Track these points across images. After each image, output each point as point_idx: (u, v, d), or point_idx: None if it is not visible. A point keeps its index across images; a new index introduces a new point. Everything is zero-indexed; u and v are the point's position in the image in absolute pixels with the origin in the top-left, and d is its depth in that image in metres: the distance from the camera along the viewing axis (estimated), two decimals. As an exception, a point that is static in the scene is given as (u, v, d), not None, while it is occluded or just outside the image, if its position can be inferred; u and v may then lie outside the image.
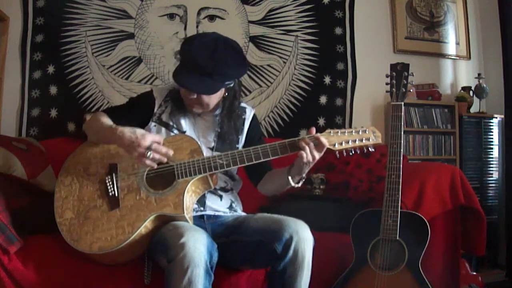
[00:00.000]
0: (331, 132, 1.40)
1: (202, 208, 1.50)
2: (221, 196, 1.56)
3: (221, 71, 1.41)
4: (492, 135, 3.07)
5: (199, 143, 1.45)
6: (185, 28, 2.64)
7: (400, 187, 1.58)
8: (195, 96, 1.47)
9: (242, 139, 1.63)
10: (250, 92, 2.71)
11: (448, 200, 1.80)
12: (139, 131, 1.34)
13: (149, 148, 1.31)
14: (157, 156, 1.32)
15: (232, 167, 1.40)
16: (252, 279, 1.49)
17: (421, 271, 1.54)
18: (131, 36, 2.58)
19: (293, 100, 2.79)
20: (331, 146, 1.38)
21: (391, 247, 1.58)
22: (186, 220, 1.35)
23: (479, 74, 3.11)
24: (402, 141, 1.60)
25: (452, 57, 3.21)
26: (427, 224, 1.57)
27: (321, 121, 2.81)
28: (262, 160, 1.39)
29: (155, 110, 1.57)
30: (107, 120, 1.47)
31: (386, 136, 2.52)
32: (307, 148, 1.34)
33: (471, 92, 3.11)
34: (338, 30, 2.90)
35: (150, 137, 1.33)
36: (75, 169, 1.47)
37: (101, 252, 1.32)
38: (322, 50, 2.84)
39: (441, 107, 3.02)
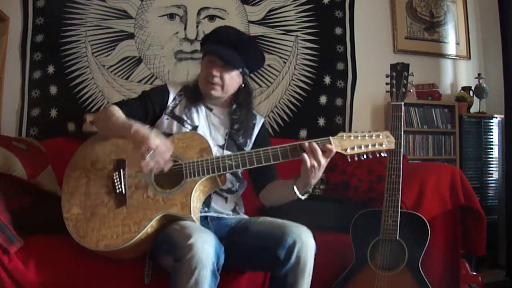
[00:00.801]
0: (344, 135, 1.36)
1: (206, 209, 1.50)
2: (226, 198, 1.55)
3: (245, 48, 1.52)
4: (492, 135, 3.07)
5: (209, 141, 1.44)
6: (185, 28, 2.64)
7: (400, 187, 1.58)
8: (218, 73, 1.49)
9: (250, 143, 1.63)
10: (251, 92, 2.70)
11: (448, 200, 1.80)
12: (154, 132, 1.32)
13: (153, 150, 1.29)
14: (152, 163, 1.28)
15: (241, 168, 1.38)
16: (252, 281, 1.49)
17: (421, 271, 1.54)
18: (131, 36, 2.59)
19: (293, 100, 2.79)
20: (342, 151, 1.35)
21: (391, 247, 1.58)
22: (193, 221, 1.34)
23: (479, 74, 3.11)
24: (402, 141, 1.60)
25: (452, 57, 3.21)
26: (427, 224, 1.57)
27: (321, 121, 2.81)
28: (272, 162, 1.36)
29: (169, 103, 1.57)
30: (122, 115, 1.44)
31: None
32: (311, 152, 1.31)
33: (471, 92, 3.11)
34: (338, 30, 2.90)
35: (158, 142, 1.29)
36: (83, 163, 1.46)
37: (107, 250, 1.32)
38: (322, 50, 2.84)
39: (441, 107, 3.02)
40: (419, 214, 1.61)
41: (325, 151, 1.32)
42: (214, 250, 1.21)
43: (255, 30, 2.74)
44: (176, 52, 2.63)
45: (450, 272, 1.84)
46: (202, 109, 1.59)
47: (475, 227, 1.84)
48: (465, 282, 2.29)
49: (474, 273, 2.41)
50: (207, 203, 1.49)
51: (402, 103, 1.63)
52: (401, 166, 1.58)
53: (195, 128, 1.53)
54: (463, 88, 3.13)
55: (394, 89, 1.66)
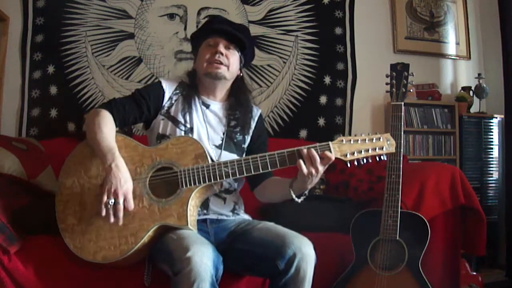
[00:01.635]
0: (344, 140, 1.32)
1: (205, 211, 1.48)
2: (225, 199, 1.53)
3: (244, 32, 1.57)
4: (492, 135, 3.07)
5: (205, 143, 1.42)
6: (185, 28, 2.64)
7: (400, 187, 1.58)
8: (224, 51, 1.50)
9: (248, 138, 1.61)
10: (250, 92, 2.70)
11: (448, 200, 1.80)
12: (129, 186, 1.29)
13: (115, 201, 1.27)
14: (110, 212, 1.26)
15: (238, 175, 1.34)
16: (251, 284, 1.49)
17: (421, 271, 1.54)
18: (131, 36, 2.59)
19: (293, 100, 2.79)
20: (342, 157, 1.31)
21: (391, 247, 1.58)
22: (190, 230, 1.32)
23: (479, 74, 3.11)
24: (402, 141, 1.60)
25: (452, 57, 3.21)
26: (427, 224, 1.57)
27: (321, 121, 2.81)
28: (270, 169, 1.34)
29: (164, 102, 1.53)
30: (109, 133, 1.37)
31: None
32: (309, 160, 1.29)
33: (471, 92, 3.11)
34: (338, 30, 2.90)
35: (124, 196, 1.27)
36: (76, 170, 1.41)
37: (105, 262, 1.32)
38: (322, 50, 2.84)
39: (441, 107, 3.02)
40: (419, 214, 1.61)
41: (323, 158, 1.29)
42: (212, 262, 1.20)
43: (255, 30, 2.74)
44: (176, 52, 2.63)
45: (450, 272, 1.84)
46: (198, 108, 1.55)
47: (475, 227, 1.84)
48: (465, 282, 2.29)
49: (474, 273, 2.41)
50: (205, 205, 1.47)
51: (402, 103, 1.63)
52: (401, 166, 1.58)
53: (190, 129, 1.50)
54: (463, 88, 3.13)
55: (394, 89, 1.66)
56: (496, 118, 3.09)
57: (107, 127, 1.38)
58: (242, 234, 1.44)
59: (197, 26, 2.65)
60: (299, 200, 1.40)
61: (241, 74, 1.62)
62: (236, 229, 1.48)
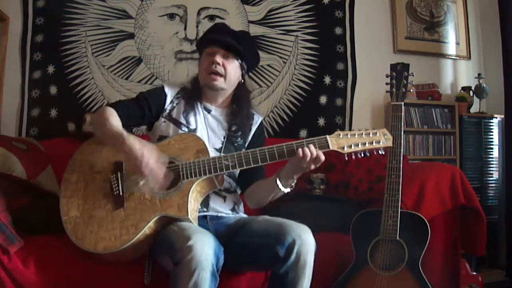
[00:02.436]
0: (341, 134, 1.37)
1: (205, 209, 1.50)
2: (225, 198, 1.55)
3: (244, 40, 1.59)
4: (492, 135, 3.07)
5: (206, 143, 1.44)
6: (185, 28, 2.64)
7: (400, 187, 1.58)
8: (220, 61, 1.51)
9: (247, 143, 1.63)
10: (250, 92, 2.70)
11: (448, 200, 1.80)
12: (147, 152, 1.32)
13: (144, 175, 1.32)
14: (144, 189, 1.34)
15: (237, 168, 1.38)
16: (252, 281, 1.49)
17: (421, 271, 1.54)
18: (131, 36, 2.58)
19: (293, 100, 2.79)
20: (339, 149, 1.35)
21: (391, 247, 1.58)
22: (190, 222, 1.34)
23: (479, 74, 3.11)
24: (402, 141, 1.60)
25: (452, 57, 3.21)
26: (427, 224, 1.57)
27: (321, 121, 2.81)
28: (269, 162, 1.37)
29: (166, 105, 1.57)
30: (116, 122, 1.43)
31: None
32: (308, 153, 1.33)
33: (471, 92, 3.11)
34: (338, 30, 2.90)
35: (152, 166, 1.31)
36: (81, 166, 1.46)
37: (105, 252, 1.32)
38: (322, 50, 2.84)
39: (441, 107, 3.02)
40: (419, 214, 1.61)
41: (316, 157, 1.33)
42: (213, 251, 1.21)
43: (255, 30, 2.74)
44: (176, 52, 2.63)
45: (450, 272, 1.84)
46: (200, 112, 1.58)
47: (475, 227, 1.84)
48: (465, 282, 2.28)
49: (474, 273, 2.41)
50: (205, 203, 1.49)
51: (402, 103, 1.63)
52: (401, 166, 1.58)
53: (192, 131, 1.53)
54: (463, 88, 3.13)
55: (394, 89, 1.66)
56: (496, 118, 3.09)
57: (114, 118, 1.43)
58: (242, 227, 1.46)
59: (197, 26, 2.65)
60: (286, 191, 1.44)
61: (243, 81, 1.63)
62: (236, 224, 1.50)
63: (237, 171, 1.58)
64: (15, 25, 2.42)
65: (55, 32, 2.47)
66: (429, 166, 2.10)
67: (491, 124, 3.07)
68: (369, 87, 2.85)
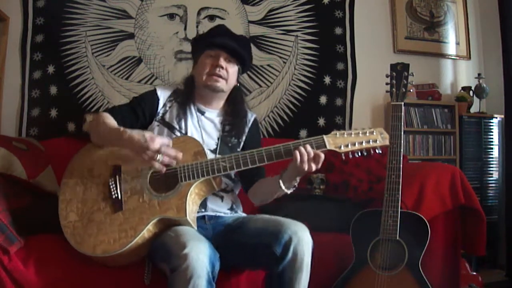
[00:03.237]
0: (337, 133, 1.38)
1: (203, 209, 1.50)
2: (222, 197, 1.56)
3: (244, 45, 1.60)
4: (492, 135, 3.07)
5: (203, 145, 1.44)
6: (185, 28, 2.64)
7: (400, 187, 1.58)
8: (224, 65, 1.52)
9: (242, 142, 1.63)
10: (250, 92, 2.70)
11: (448, 200, 1.80)
12: (148, 134, 1.31)
13: (158, 151, 1.30)
14: (166, 159, 1.31)
15: (235, 169, 1.38)
16: (252, 280, 1.49)
17: (421, 271, 1.54)
18: (131, 36, 2.58)
19: (293, 100, 2.78)
20: (336, 149, 1.36)
21: (391, 247, 1.58)
22: (189, 224, 1.34)
23: (479, 74, 3.11)
24: (402, 141, 1.60)
25: (452, 57, 3.21)
26: (427, 224, 1.57)
27: (321, 121, 2.81)
28: (266, 162, 1.37)
29: (159, 109, 1.57)
30: (112, 122, 1.45)
31: (386, 136, 2.52)
32: (305, 153, 1.33)
33: (471, 92, 3.11)
34: (338, 30, 2.90)
35: (160, 140, 1.30)
36: (79, 171, 1.46)
37: (104, 255, 1.33)
38: (322, 50, 2.84)
39: (441, 107, 3.02)
40: (419, 214, 1.61)
41: (315, 156, 1.34)
42: (209, 259, 1.21)
43: (255, 30, 2.74)
44: (176, 52, 2.63)
45: (450, 272, 1.84)
46: (193, 114, 1.59)
47: (475, 227, 1.84)
48: (465, 282, 2.28)
49: (474, 273, 2.41)
50: (203, 204, 1.49)
51: (402, 103, 1.63)
52: (401, 166, 1.58)
53: (185, 135, 1.54)
54: (463, 88, 3.13)
55: (394, 89, 1.66)
56: (496, 118, 3.09)
57: (109, 121, 1.45)
58: (239, 226, 1.46)
59: (197, 26, 2.65)
60: (288, 192, 1.44)
61: (238, 84, 1.65)
62: (233, 223, 1.50)
63: (233, 172, 1.58)
64: (15, 25, 2.42)
65: (55, 32, 2.47)
66: (429, 166, 2.10)
67: (491, 124, 3.07)
68: (369, 87, 2.85)
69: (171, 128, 1.55)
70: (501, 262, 2.92)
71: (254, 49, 2.72)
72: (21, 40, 2.43)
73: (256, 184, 1.58)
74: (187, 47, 2.62)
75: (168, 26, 2.63)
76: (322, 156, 1.34)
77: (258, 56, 2.73)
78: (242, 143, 1.64)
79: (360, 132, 1.37)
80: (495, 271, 2.87)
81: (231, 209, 1.57)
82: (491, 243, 2.54)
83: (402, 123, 1.61)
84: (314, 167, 1.34)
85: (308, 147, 1.34)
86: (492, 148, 3.06)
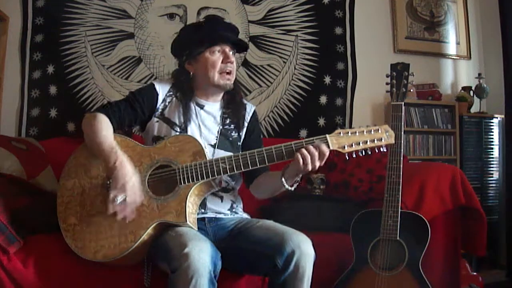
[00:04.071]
0: (341, 132, 1.32)
1: (203, 210, 1.48)
2: (222, 197, 1.54)
3: (238, 31, 1.59)
4: (492, 135, 3.07)
5: (200, 142, 1.42)
6: (185, 28, 2.64)
7: (400, 187, 1.57)
8: (233, 58, 1.52)
9: (242, 135, 1.62)
10: (250, 92, 2.70)
11: (449, 200, 1.80)
12: (134, 180, 1.30)
13: (122, 198, 1.28)
14: (118, 208, 1.27)
15: (235, 171, 1.35)
16: (252, 282, 1.49)
17: (422, 271, 1.54)
18: (131, 36, 2.58)
19: (293, 100, 2.78)
20: (340, 149, 1.31)
21: (391, 247, 1.57)
22: (189, 227, 1.33)
23: (479, 74, 3.11)
24: (402, 141, 1.60)
25: (452, 57, 3.21)
26: (428, 224, 1.57)
27: (321, 121, 2.81)
28: (267, 164, 1.34)
29: (158, 104, 1.53)
30: (108, 133, 1.38)
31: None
32: (308, 155, 1.29)
33: (471, 92, 3.11)
34: (338, 30, 2.89)
35: (133, 195, 1.29)
36: (76, 172, 1.43)
37: (105, 260, 1.32)
38: (322, 50, 2.83)
39: (441, 107, 3.01)
40: (419, 214, 1.61)
41: (319, 154, 1.30)
42: (210, 258, 1.20)
43: (255, 30, 2.74)
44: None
45: (451, 272, 1.83)
46: (192, 108, 1.55)
47: (475, 227, 1.84)
48: (465, 282, 2.28)
49: (475, 273, 2.40)
50: (202, 204, 1.47)
51: (403, 103, 1.63)
52: (401, 166, 1.58)
53: (185, 130, 1.50)
54: (464, 88, 3.13)
55: (394, 89, 1.66)
56: (497, 118, 3.08)
57: (105, 129, 1.39)
58: (242, 232, 1.44)
59: (197, 26, 2.65)
60: (292, 188, 1.40)
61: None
62: (235, 227, 1.49)
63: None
64: (15, 25, 2.42)
65: (54, 32, 2.47)
66: (429, 166, 2.10)
67: (491, 124, 3.07)
68: (369, 87, 2.85)
69: (170, 123, 1.52)
70: (502, 262, 2.92)
71: (254, 49, 2.72)
72: (21, 40, 2.43)
73: (258, 179, 1.55)
74: (187, 47, 2.61)
75: (168, 26, 2.62)
76: (327, 153, 1.31)
77: (258, 56, 2.73)
78: (242, 136, 1.62)
79: (365, 130, 1.32)
80: (496, 271, 2.87)
81: (231, 209, 1.56)
82: (492, 243, 2.54)
83: (402, 123, 1.60)
84: (318, 164, 1.31)
85: (311, 147, 1.30)
86: (492, 148, 3.06)
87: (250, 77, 2.71)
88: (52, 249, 1.46)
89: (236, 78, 1.60)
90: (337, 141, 1.32)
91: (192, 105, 1.56)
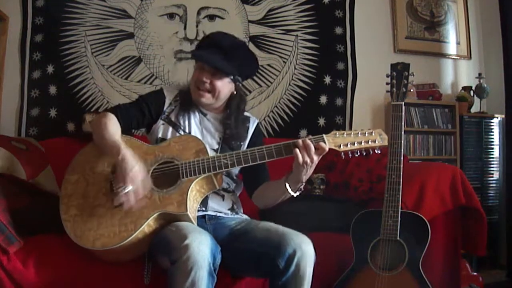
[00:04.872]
0: (337, 133, 1.40)
1: (204, 208, 1.50)
2: (223, 196, 1.56)
3: (237, 55, 1.52)
4: (492, 135, 3.07)
5: (204, 143, 1.45)
6: (185, 28, 2.64)
7: (400, 187, 1.57)
8: (208, 80, 1.49)
9: (245, 146, 1.63)
10: (250, 92, 2.70)
11: (449, 200, 1.80)
12: (136, 170, 1.32)
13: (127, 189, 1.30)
14: (124, 198, 1.30)
15: (236, 166, 1.40)
16: (252, 284, 1.49)
17: (422, 271, 1.54)
18: (130, 35, 2.58)
19: (293, 100, 2.78)
20: (336, 147, 1.38)
21: (391, 247, 1.57)
22: (190, 219, 1.35)
23: (479, 74, 3.11)
24: (402, 141, 1.60)
25: (452, 57, 3.21)
26: (428, 224, 1.57)
27: (321, 121, 2.80)
28: (267, 160, 1.38)
29: (165, 108, 1.58)
30: (115, 130, 1.43)
31: (386, 136, 2.52)
32: (304, 148, 1.34)
33: (471, 92, 3.11)
34: (338, 30, 2.89)
35: (135, 184, 1.31)
36: (82, 167, 1.47)
37: (104, 249, 1.32)
38: (322, 50, 2.83)
39: (441, 107, 3.02)
40: (419, 214, 1.61)
41: (317, 149, 1.35)
42: (210, 250, 1.21)
43: (255, 30, 2.74)
44: (176, 51, 2.63)
45: (451, 272, 1.83)
46: (196, 114, 1.60)
47: (475, 227, 1.84)
48: (465, 282, 2.28)
49: (475, 273, 2.40)
50: (204, 202, 1.49)
51: (403, 103, 1.63)
52: (401, 166, 1.58)
53: (189, 133, 1.54)
54: (464, 88, 3.13)
55: (394, 89, 1.65)
56: (497, 118, 3.09)
57: (113, 126, 1.44)
58: (243, 233, 1.45)
59: (196, 26, 2.65)
60: (295, 194, 1.44)
61: (235, 93, 1.60)
62: (236, 228, 1.50)
63: (235, 171, 1.59)
64: (15, 25, 2.42)
65: (54, 32, 2.47)
66: (430, 166, 2.10)
67: (491, 124, 3.07)
68: (369, 87, 2.85)
69: (175, 127, 1.56)
70: (502, 262, 2.92)
71: (254, 49, 2.71)
72: (21, 40, 2.43)
73: (260, 188, 1.57)
74: (187, 46, 2.62)
75: (168, 26, 2.62)
76: (326, 148, 1.35)
77: (258, 56, 2.70)
78: (245, 147, 1.63)
79: (359, 133, 1.40)
80: (496, 271, 2.87)
81: (232, 209, 1.57)
82: (492, 243, 2.54)
83: (403, 123, 1.60)
84: (316, 158, 1.35)
85: (307, 140, 1.35)
86: (492, 148, 3.06)
87: (251, 77, 2.70)
88: (52, 249, 1.46)
89: (238, 94, 1.60)
90: (333, 140, 1.39)
91: (196, 112, 1.60)
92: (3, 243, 1.38)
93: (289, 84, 2.79)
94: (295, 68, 2.79)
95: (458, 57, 3.23)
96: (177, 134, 1.53)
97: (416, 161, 2.81)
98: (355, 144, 1.38)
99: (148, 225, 1.33)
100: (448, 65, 3.20)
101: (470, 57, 3.26)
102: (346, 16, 2.91)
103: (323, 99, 2.82)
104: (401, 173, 1.57)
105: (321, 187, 2.11)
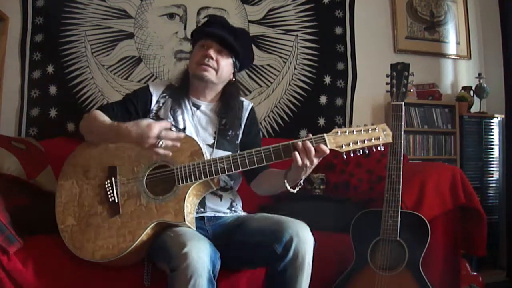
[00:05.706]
0: (339, 132, 1.32)
1: (202, 209, 1.49)
2: (221, 196, 1.55)
3: (241, 37, 1.57)
4: (492, 135, 3.06)
5: (200, 144, 1.42)
6: (185, 28, 2.64)
7: (400, 187, 1.57)
8: (214, 56, 1.50)
9: (240, 133, 1.62)
10: (250, 92, 2.70)
11: (449, 200, 1.80)
12: (144, 122, 1.30)
13: (159, 137, 1.28)
14: (169, 143, 1.29)
15: (234, 171, 1.36)
16: (252, 280, 1.49)
17: (422, 272, 1.54)
18: (130, 36, 2.58)
19: (293, 100, 2.78)
20: (337, 148, 1.31)
21: (391, 247, 1.57)
22: (188, 227, 1.33)
23: (479, 74, 3.11)
24: (402, 141, 1.60)
25: (452, 57, 3.21)
26: (428, 224, 1.57)
27: (321, 121, 2.80)
28: (265, 163, 1.35)
29: (152, 106, 1.56)
30: (105, 119, 1.42)
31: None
32: (304, 150, 1.30)
33: (471, 92, 3.10)
34: (338, 30, 2.89)
35: (157, 125, 1.29)
36: (74, 172, 1.44)
37: (104, 261, 1.32)
38: (322, 50, 2.83)
39: (441, 107, 3.01)
40: (419, 214, 1.61)
41: (317, 151, 1.30)
42: (209, 257, 1.20)
43: (255, 30, 2.73)
44: (176, 51, 2.62)
45: (451, 273, 1.83)
46: (188, 109, 1.57)
47: (475, 227, 1.84)
48: (465, 282, 2.28)
49: (475, 273, 2.40)
50: (202, 203, 1.48)
51: (403, 103, 1.63)
52: (401, 166, 1.58)
53: (181, 131, 1.51)
54: (464, 88, 3.13)
55: (394, 89, 1.66)
56: (497, 118, 3.08)
57: (102, 116, 1.43)
58: (239, 225, 1.45)
59: (197, 26, 2.64)
60: (295, 191, 1.40)
61: (234, 79, 1.62)
62: (233, 223, 1.49)
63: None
64: (15, 25, 2.42)
65: (54, 32, 2.46)
66: (430, 166, 2.10)
67: (491, 124, 3.07)
68: (369, 87, 2.84)
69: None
70: (502, 262, 2.92)
71: (254, 49, 2.70)
72: (21, 40, 2.43)
73: (260, 176, 1.55)
74: (187, 46, 2.61)
75: (168, 26, 2.62)
76: (327, 150, 1.30)
77: (258, 56, 2.73)
78: (240, 135, 1.62)
79: (362, 130, 1.32)
80: (496, 271, 2.87)
81: (231, 208, 1.56)
82: (492, 243, 2.53)
83: (403, 123, 1.60)
84: (315, 160, 1.31)
85: (307, 142, 1.30)
86: (492, 148, 3.06)
87: (250, 77, 2.71)
88: (52, 249, 1.46)
89: (236, 82, 1.62)
90: (334, 140, 1.32)
91: (188, 106, 1.57)
92: (3, 243, 1.38)
93: (289, 84, 2.79)
94: (295, 68, 2.79)
95: (458, 57, 3.23)
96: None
97: (416, 161, 2.81)
98: (358, 143, 1.30)
99: (146, 234, 1.32)
100: (448, 65, 3.19)
101: (470, 57, 3.25)
102: (346, 16, 2.91)
103: (323, 99, 2.82)
104: (401, 173, 1.57)
105: (321, 187, 2.11)
